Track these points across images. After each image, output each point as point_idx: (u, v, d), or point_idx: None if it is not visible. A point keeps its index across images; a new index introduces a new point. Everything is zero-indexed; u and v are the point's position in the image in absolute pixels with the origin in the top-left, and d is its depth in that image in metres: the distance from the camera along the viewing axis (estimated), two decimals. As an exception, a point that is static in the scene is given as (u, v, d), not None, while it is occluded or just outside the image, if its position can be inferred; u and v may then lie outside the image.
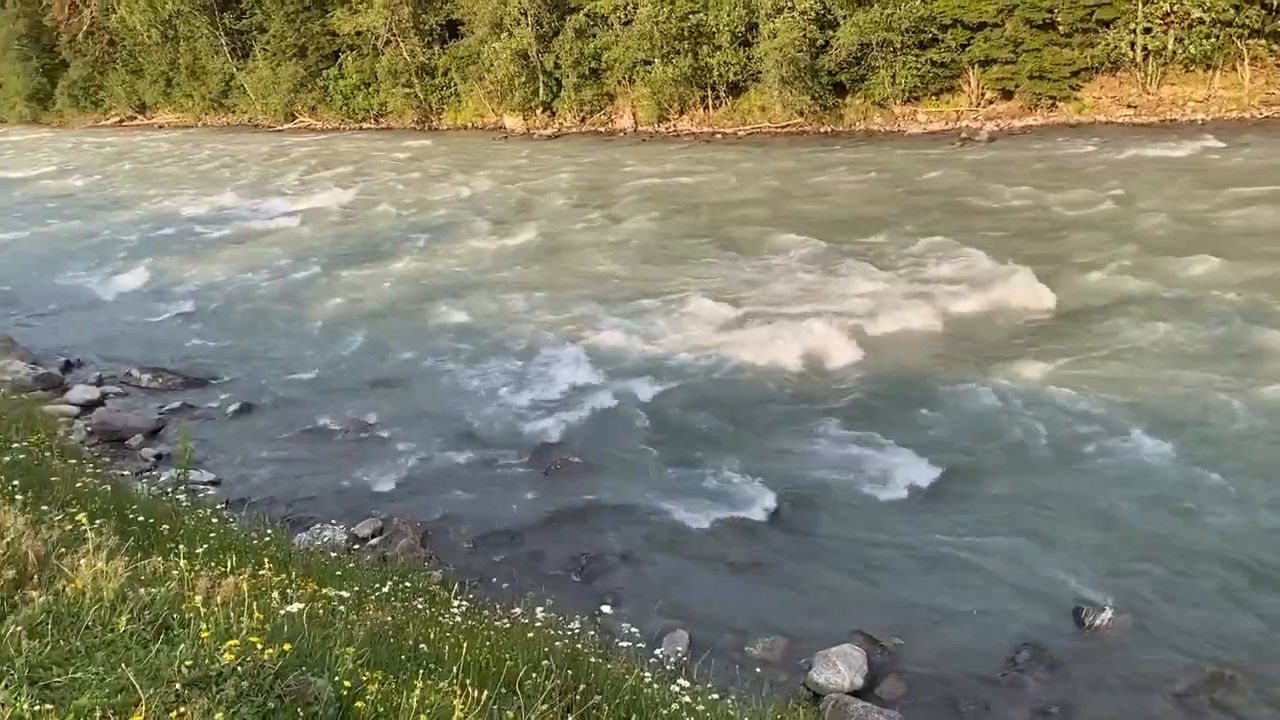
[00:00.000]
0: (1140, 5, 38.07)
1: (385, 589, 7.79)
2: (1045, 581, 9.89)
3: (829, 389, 15.30)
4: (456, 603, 7.80)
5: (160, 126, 76.81)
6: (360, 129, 62.22)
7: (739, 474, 12.56)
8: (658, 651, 8.62)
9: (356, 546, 10.98)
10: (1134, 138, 34.95)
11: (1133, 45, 38.69)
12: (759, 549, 11.04)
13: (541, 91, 53.11)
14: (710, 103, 49.12)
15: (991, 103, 42.45)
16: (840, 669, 8.47)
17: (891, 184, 30.73)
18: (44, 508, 6.44)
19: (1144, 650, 8.79)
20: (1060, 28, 40.11)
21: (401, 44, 57.89)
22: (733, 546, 11.11)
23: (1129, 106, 39.74)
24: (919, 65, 42.15)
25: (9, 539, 4.43)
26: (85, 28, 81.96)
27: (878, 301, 18.73)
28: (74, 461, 10.51)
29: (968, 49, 41.81)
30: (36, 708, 3.20)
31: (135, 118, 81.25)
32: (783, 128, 45.90)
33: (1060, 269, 19.66)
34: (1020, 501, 11.49)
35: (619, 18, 49.30)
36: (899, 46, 41.69)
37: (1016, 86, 41.37)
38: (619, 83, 51.17)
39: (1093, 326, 16.74)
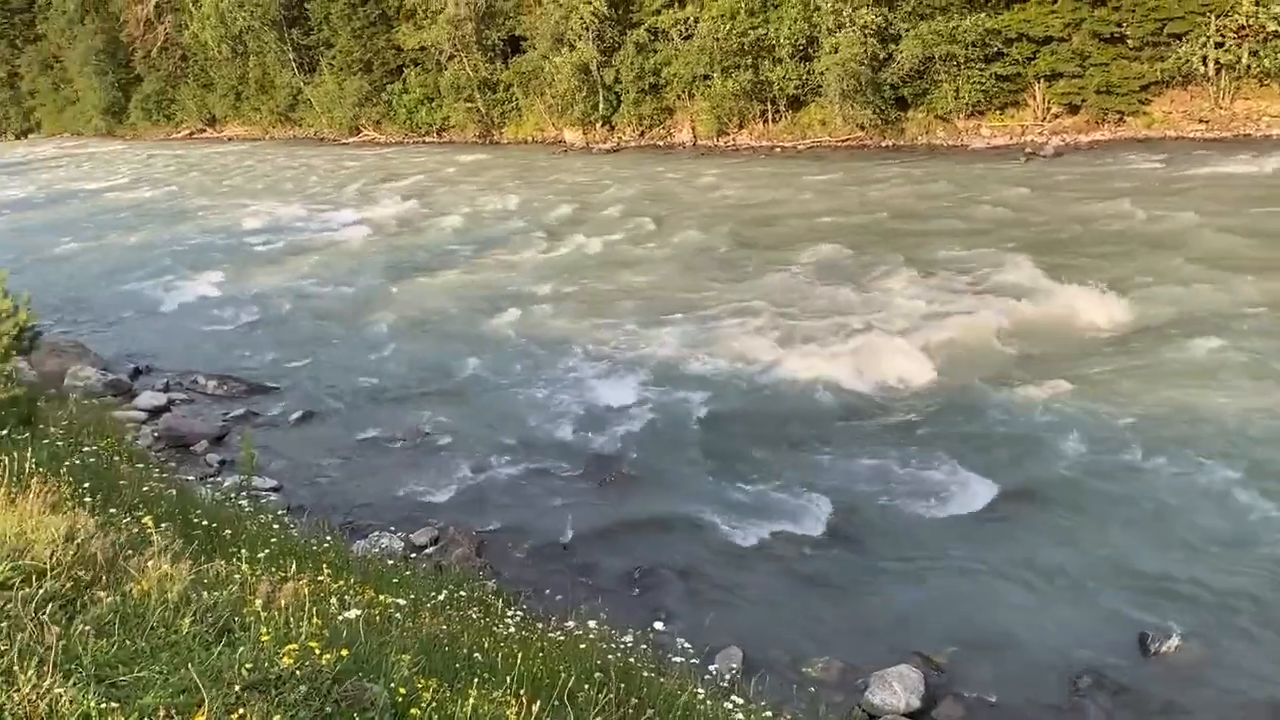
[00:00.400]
0: (1213, 19, 37.25)
1: (440, 597, 7.84)
2: (1108, 605, 9.64)
3: (885, 404, 15.13)
4: (510, 613, 7.83)
5: (229, 139, 78.66)
6: (423, 142, 63.10)
7: (794, 489, 12.46)
8: (711, 668, 8.56)
9: (413, 555, 11.07)
10: (1205, 153, 34.14)
11: (1205, 59, 37.86)
12: (814, 566, 10.92)
13: (601, 105, 53.45)
14: (770, 116, 49.03)
15: (1057, 117, 41.79)
16: (897, 690, 8.34)
17: (953, 199, 30.35)
18: (112, 510, 6.59)
19: (1213, 679, 8.52)
20: (1129, 41, 39.39)
21: (464, 59, 58.65)
22: (788, 563, 11.01)
23: (1201, 121, 38.85)
24: (983, 79, 41.67)
25: (79, 540, 4.54)
26: (159, 43, 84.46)
27: (937, 317, 18.48)
28: (141, 466, 10.76)
29: (1033, 62, 41.24)
30: (103, 705, 3.26)
31: (205, 130, 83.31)
32: (843, 142, 45.64)
33: (1126, 287, 19.22)
34: (1081, 523, 11.23)
35: (679, 32, 49.46)
36: (963, 60, 41.26)
37: (1083, 101, 40.69)
38: (678, 97, 51.31)
39: (1158, 346, 16.32)
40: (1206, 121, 38.71)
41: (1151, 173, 31.82)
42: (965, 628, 9.52)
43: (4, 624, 3.71)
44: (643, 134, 53.36)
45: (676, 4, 50.44)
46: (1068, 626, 9.40)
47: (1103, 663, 8.80)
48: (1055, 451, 12.96)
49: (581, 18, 51.01)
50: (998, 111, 43.07)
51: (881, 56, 42.57)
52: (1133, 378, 14.98)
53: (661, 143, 52.40)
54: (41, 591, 4.03)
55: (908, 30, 41.94)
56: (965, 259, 22.52)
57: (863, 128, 44.91)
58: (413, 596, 7.33)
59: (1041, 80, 41.39)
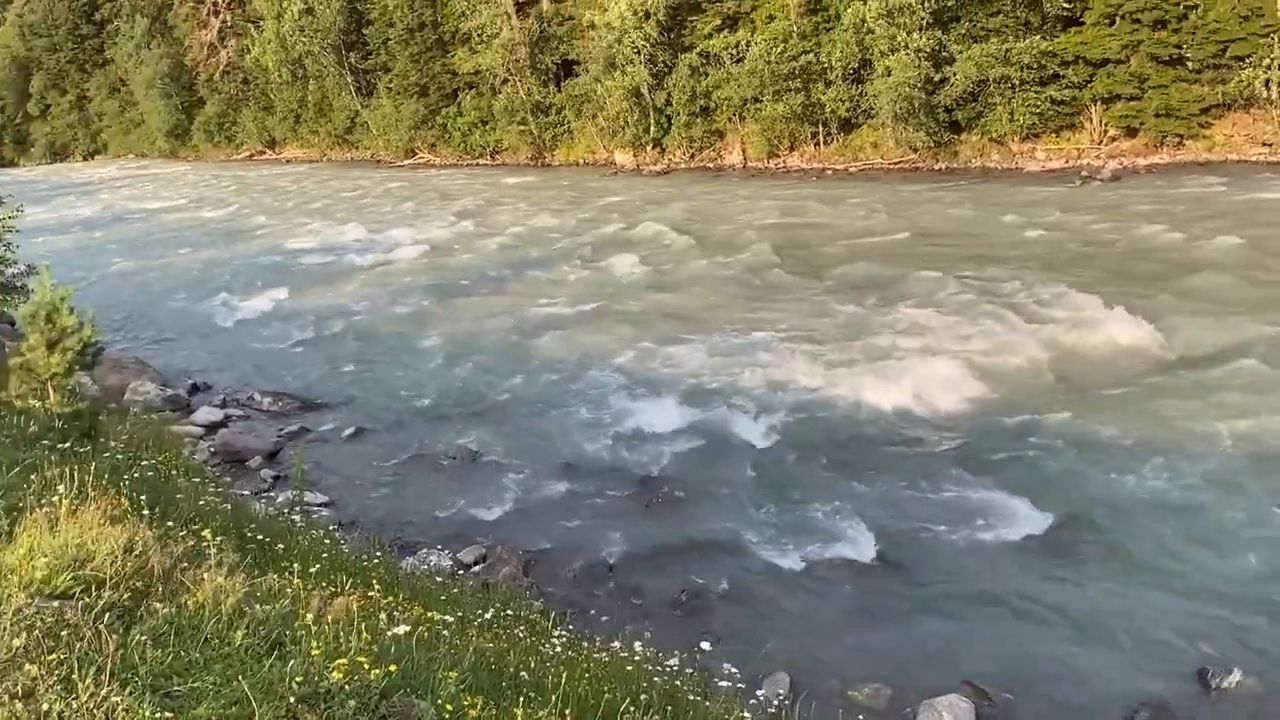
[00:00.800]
0: (1276, 40, 36.56)
1: (488, 615, 7.88)
2: (1165, 639, 9.42)
3: (938, 430, 14.95)
4: (557, 633, 7.84)
5: (287, 161, 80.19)
6: (476, 165, 63.84)
7: (843, 515, 12.35)
8: (758, 693, 8.49)
9: (461, 572, 11.13)
10: (1268, 177, 33.44)
11: (1267, 82, 37.13)
12: (864, 592, 10.80)
13: (652, 128, 53.73)
14: (821, 139, 48.93)
15: (1115, 140, 41.22)
16: (946, 720, 8.21)
17: (1006, 223, 30.00)
18: (170, 524, 6.71)
19: (1277, 716, 8.28)
20: (1189, 64, 38.79)
21: (518, 83, 59.36)
22: (837, 588, 10.90)
23: (1264, 145, 38.08)
24: (1038, 102, 41.22)
25: (138, 552, 4.64)
26: (221, 67, 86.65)
27: (989, 342, 18.25)
28: (197, 480, 10.96)
29: (1090, 85, 40.75)
30: (158, 715, 3.33)
31: (264, 152, 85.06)
32: (895, 164, 45.39)
33: (1184, 314, 18.83)
34: (1139, 555, 10.99)
35: (731, 56, 49.62)
36: (1018, 83, 40.90)
37: (1141, 124, 40.09)
38: (729, 119, 51.43)
39: (1217, 376, 15.91)
40: (1270, 145, 37.92)
41: (1212, 197, 31.21)
42: (1016, 657, 9.35)
43: (65, 632, 3.80)
44: (693, 156, 53.53)
45: (728, 28, 50.63)
46: (1123, 659, 9.20)
47: (1161, 697, 8.59)
48: (1106, 480, 12.72)
49: (634, 42, 51.41)
50: (1053, 134, 42.58)
51: (935, 79, 42.35)
52: (1186, 408, 14.63)
53: (712, 165, 52.50)
54: (101, 601, 4.12)
55: (961, 53, 41.70)
56: (1016, 284, 22.22)
57: (915, 150, 44.65)
58: (460, 614, 7.37)
59: (1098, 103, 40.88)
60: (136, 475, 8.76)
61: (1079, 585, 10.49)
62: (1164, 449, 13.30)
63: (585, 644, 7.98)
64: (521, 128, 60.71)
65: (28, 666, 3.50)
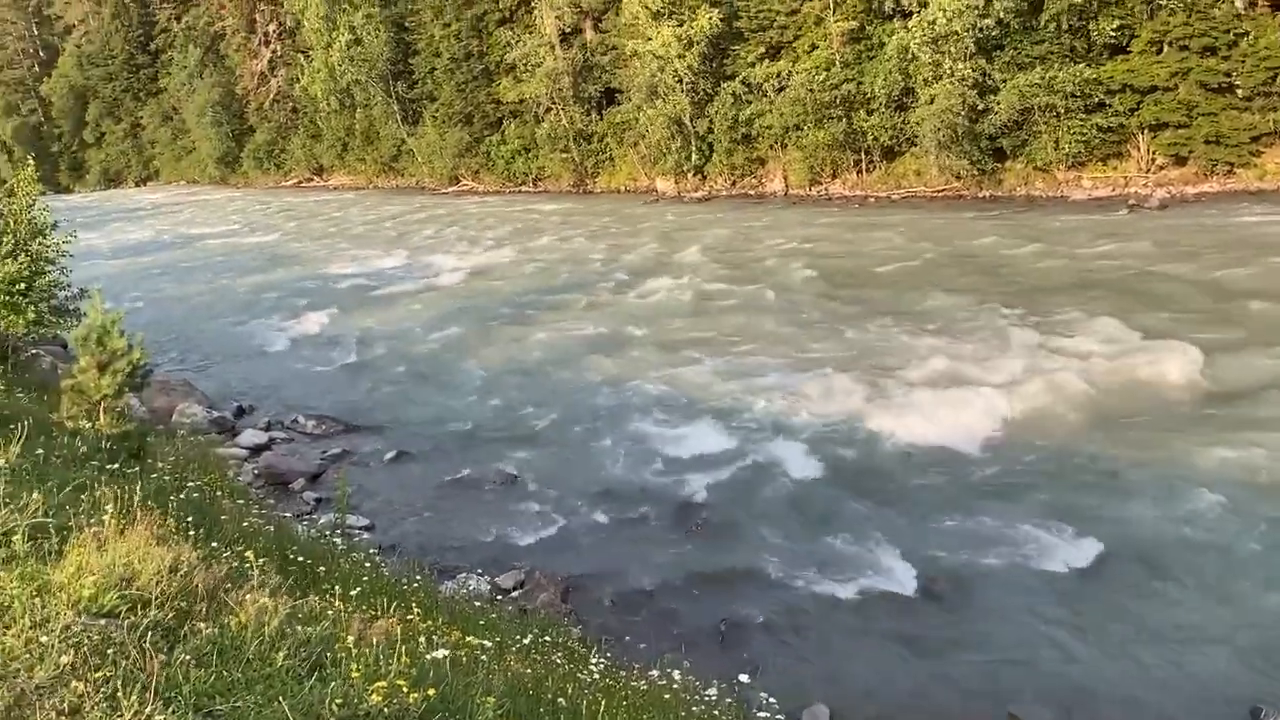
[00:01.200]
0: (1329, 67, 36.01)
1: (526, 641, 7.87)
2: (1213, 675, 9.20)
3: (977, 460, 14.77)
4: (594, 660, 7.82)
5: (334, 187, 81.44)
6: (518, 192, 64.43)
7: (885, 544, 12.22)
8: (797, 724, 8.39)
9: (499, 597, 11.15)
10: (1321, 206, 32.84)
11: (1320, 110, 36.56)
12: (906, 624, 10.66)
13: (694, 156, 53.95)
14: (864, 166, 48.82)
15: (1163, 168, 40.69)
16: (990, 756, 8.05)
17: (1053, 252, 29.69)
18: (214, 544, 6.79)
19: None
20: (1239, 91, 38.27)
21: (561, 111, 59.96)
22: (878, 620, 10.77)
23: (1317, 174, 37.43)
24: (1084, 130, 40.86)
25: (183, 572, 4.69)
26: (271, 96, 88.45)
27: (1034, 373, 18.01)
28: (241, 502, 11.08)
29: (1137, 113, 40.33)
30: (199, 735, 3.35)
31: (312, 179, 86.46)
32: (939, 192, 45.15)
33: (1233, 346, 18.49)
34: (1183, 589, 10.77)
35: (773, 85, 49.76)
36: (1063, 111, 40.58)
37: (1190, 152, 39.56)
38: (770, 147, 51.49)
39: (1265, 410, 15.59)
40: (1323, 174, 37.26)
41: (1262, 226, 30.67)
42: (1061, 691, 9.18)
43: (111, 650, 3.85)
44: (734, 183, 53.62)
45: (770, 57, 50.80)
46: (1169, 694, 8.99)
47: (1211, 737, 8.38)
48: (1149, 513, 12.50)
49: (676, 71, 51.75)
50: (1100, 162, 42.13)
51: (979, 107, 42.15)
52: (1232, 441, 14.30)
53: (753, 192, 52.54)
54: (146, 620, 4.17)
55: (1005, 81, 41.49)
56: (1061, 313, 21.95)
57: (959, 178, 44.39)
58: (498, 639, 7.38)
59: (1146, 131, 40.42)
60: (183, 496, 8.87)
61: (1122, 618, 10.28)
62: (1208, 482, 13.03)
63: (623, 672, 7.95)
64: (564, 155, 61.25)
65: (74, 684, 3.55)
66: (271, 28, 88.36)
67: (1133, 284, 24.52)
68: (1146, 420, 15.67)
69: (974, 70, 41.56)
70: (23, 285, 16.81)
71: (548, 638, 8.53)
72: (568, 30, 60.59)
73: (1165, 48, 39.60)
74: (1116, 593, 10.84)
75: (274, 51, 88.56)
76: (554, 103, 59.96)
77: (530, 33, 60.85)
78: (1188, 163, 39.91)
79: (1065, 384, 17.24)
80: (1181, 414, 15.84)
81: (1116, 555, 11.57)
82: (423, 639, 5.58)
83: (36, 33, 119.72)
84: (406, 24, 71.71)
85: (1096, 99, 40.59)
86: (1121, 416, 15.96)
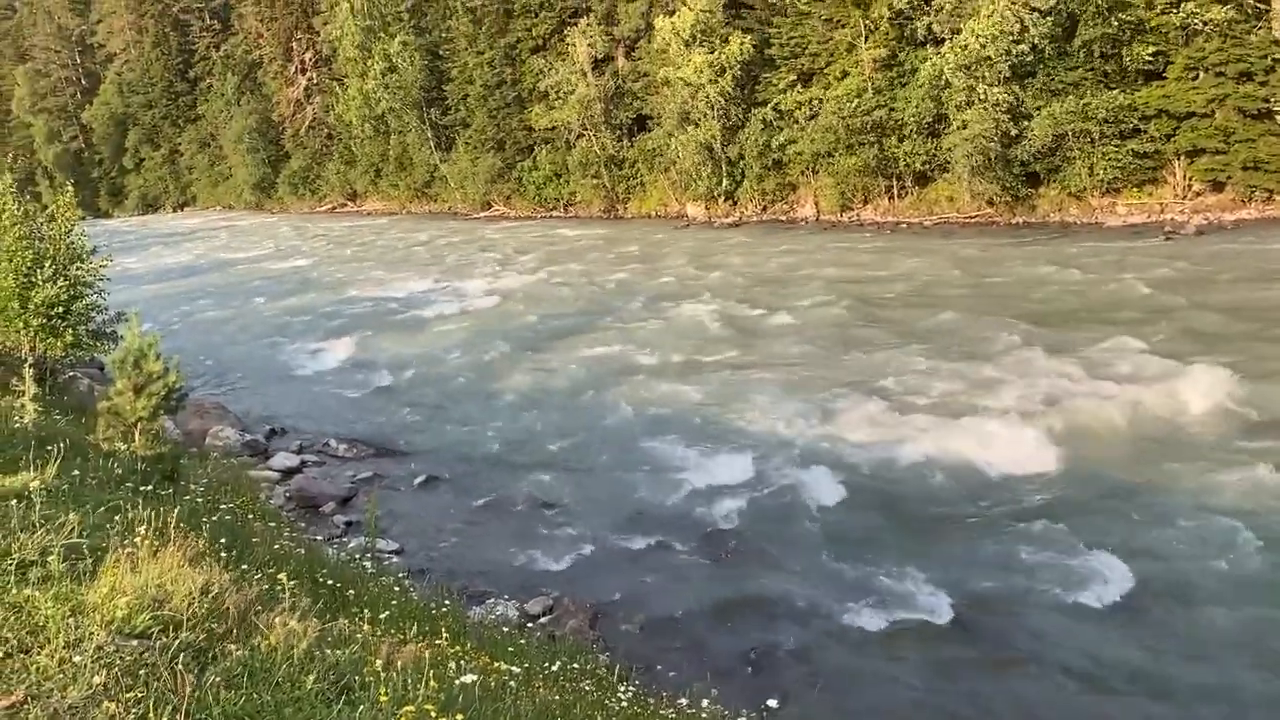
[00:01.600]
0: (1369, 93, 35.60)
1: (554, 668, 7.83)
2: (1250, 712, 8.98)
3: (1014, 489, 14.59)
4: (623, 688, 7.76)
5: (368, 213, 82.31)
6: (550, 217, 64.84)
7: (919, 574, 12.07)
8: (827, 755, 8.28)
9: (528, 624, 11.11)
10: (1363, 233, 32.36)
11: (1360, 135, 36.11)
12: (939, 654, 10.51)
13: (724, 181, 54.09)
14: (895, 192, 48.73)
15: (1199, 195, 40.28)
16: (1025, 792, 7.90)
17: (1087, 278, 29.42)
18: (245, 567, 6.83)
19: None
20: (1278, 117, 37.89)
21: (593, 137, 60.40)
22: (911, 650, 10.63)
23: (1357, 200, 36.92)
24: (1119, 156, 40.57)
25: (214, 593, 4.71)
26: (307, 123, 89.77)
27: (1066, 400, 17.79)
28: (273, 524, 11.15)
29: (1173, 139, 40.00)
30: (229, 758, 3.35)
31: (346, 204, 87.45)
32: (971, 218, 44.94)
33: (1272, 375, 18.17)
34: (1222, 627, 10.52)
35: (804, 113, 49.86)
36: (1097, 136, 40.34)
37: (1228, 178, 39.17)
38: (801, 173, 51.52)
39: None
40: (1364, 200, 36.75)
41: (1303, 253, 30.27)
42: (1100, 728, 9.00)
43: (143, 671, 3.87)
44: (765, 209, 53.66)
45: (802, 84, 50.92)
46: (1214, 733, 8.79)
47: (1255, 776, 8.17)
48: (1188, 547, 12.25)
49: (707, 97, 52.00)
50: (1135, 189, 41.79)
51: (1012, 133, 42.00)
52: (1270, 471, 14.01)
53: (784, 218, 52.55)
54: (178, 642, 4.19)
55: (1039, 108, 41.33)
56: (1096, 340, 21.68)
57: (992, 204, 44.17)
58: (526, 665, 7.34)
59: (1182, 157, 40.08)
60: (215, 518, 8.95)
61: (1159, 655, 10.09)
62: (1243, 513, 12.77)
63: (652, 700, 7.89)
64: (595, 181, 61.63)
65: (106, 704, 3.56)
66: (308, 55, 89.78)
67: (1169, 311, 24.22)
68: (1181, 449, 15.42)
69: (1007, 95, 41.45)
70: (61, 309, 17.07)
71: (576, 665, 8.48)
72: (600, 58, 61.12)
73: (1201, 73, 39.31)
74: (1149, 625, 10.64)
75: (310, 79, 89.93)
76: (585, 129, 60.44)
77: (563, 60, 61.44)
78: (1225, 189, 39.52)
79: (1098, 411, 17.02)
80: (1217, 443, 15.58)
81: (1149, 586, 11.37)
82: (451, 664, 5.56)
83: (80, 61, 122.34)
84: (441, 52, 72.66)
85: (1131, 125, 40.33)
86: (1155, 445, 15.72)
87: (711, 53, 51.65)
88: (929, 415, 17.73)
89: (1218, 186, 39.80)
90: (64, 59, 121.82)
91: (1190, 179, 40.23)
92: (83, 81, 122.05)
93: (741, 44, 51.21)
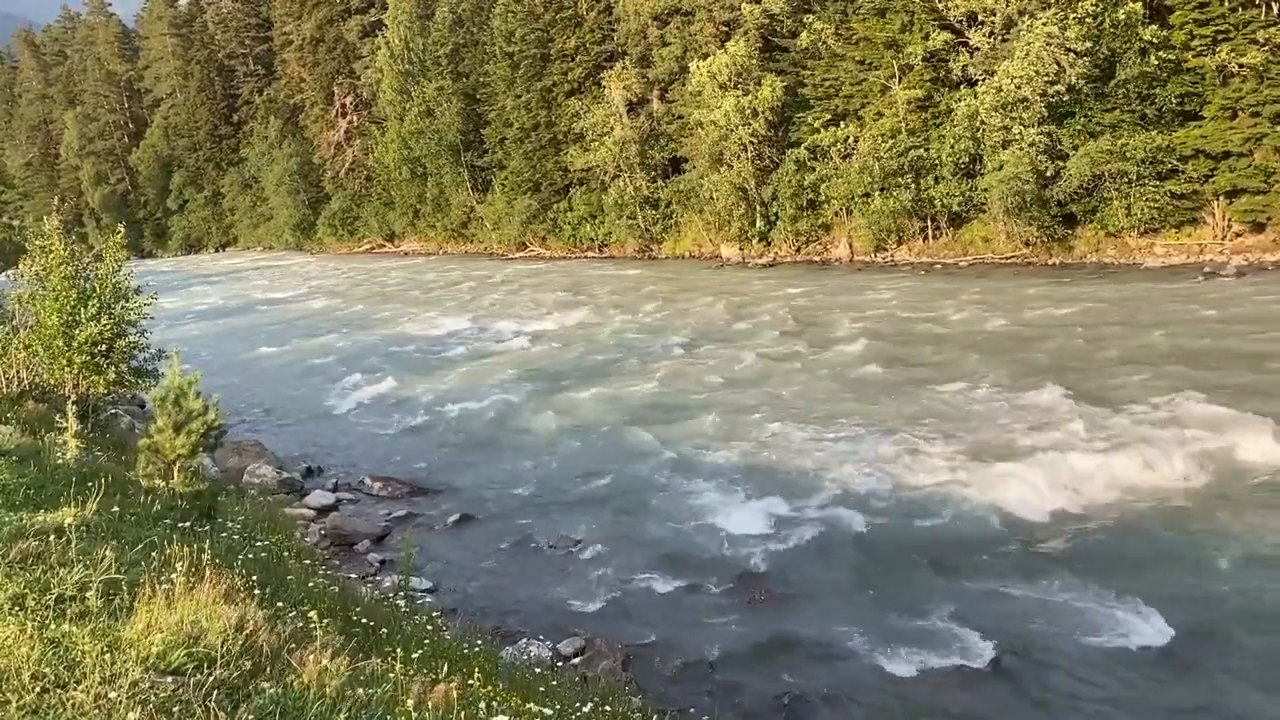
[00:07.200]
0: None
1: (586, 709, 7.77)
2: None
3: (1050, 534, 14.36)
4: (655, 731, 7.68)
5: (405, 253, 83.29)
6: (585, 257, 65.25)
7: (953, 618, 11.89)
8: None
9: (560, 664, 11.05)
10: None
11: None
12: (975, 700, 10.33)
13: (758, 222, 54.25)
14: (930, 233, 48.58)
15: (1239, 235, 39.82)
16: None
17: (1123, 320, 29.09)
18: (279, 604, 6.86)
19: None
20: (1318, 158, 37.50)
21: (628, 178, 60.89)
22: (946, 696, 10.45)
23: (1402, 240, 36.32)
24: (1157, 196, 40.22)
25: (248, 631, 4.74)
26: (347, 165, 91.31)
27: (1105, 446, 17.51)
28: (308, 562, 11.19)
29: (1212, 179, 39.64)
30: (260, 796, 3.35)
31: (384, 245, 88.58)
32: (1007, 259, 44.66)
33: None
34: (1260, 676, 10.26)
35: (839, 152, 49.99)
36: (1135, 177, 40.05)
37: (1269, 219, 38.71)
38: (836, 213, 51.53)
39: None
40: None
41: (1348, 294, 29.77)
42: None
43: (176, 709, 3.89)
44: (799, 249, 53.67)
45: (835, 124, 51.09)
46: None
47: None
48: (1232, 594, 12.01)
49: (740, 139, 52.32)
50: (1174, 230, 41.37)
51: (1049, 174, 41.82)
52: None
53: (818, 258, 52.52)
54: (211, 679, 4.22)
55: (1075, 148, 41.16)
56: (1134, 383, 21.41)
57: (1028, 245, 43.90)
58: (558, 707, 7.29)
59: (1221, 197, 39.68)
60: (250, 555, 9.00)
61: (1203, 704, 9.84)
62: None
63: (684, 744, 7.80)
64: (630, 221, 62.02)
65: (140, 741, 3.58)
66: (348, 100, 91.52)
67: (1210, 354, 23.86)
68: (1222, 496, 15.13)
69: (1044, 136, 41.33)
70: (104, 346, 17.34)
71: (608, 707, 8.41)
72: (635, 100, 61.76)
73: (1238, 114, 39.03)
74: (1196, 676, 10.41)
75: (350, 122, 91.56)
76: (621, 170, 60.97)
77: (598, 103, 62.14)
78: (1265, 229, 39.04)
79: (1138, 456, 16.72)
80: (1260, 491, 15.27)
81: (1190, 636, 11.13)
82: (483, 704, 5.54)
83: (127, 105, 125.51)
84: (478, 96, 73.73)
85: (1169, 165, 40.04)
86: (1196, 491, 15.44)
87: (745, 95, 52.02)
88: (963, 458, 17.55)
89: (1258, 227, 39.33)
90: (112, 104, 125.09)
91: (1230, 220, 39.79)
92: (130, 125, 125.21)
93: (773, 87, 51.57)
